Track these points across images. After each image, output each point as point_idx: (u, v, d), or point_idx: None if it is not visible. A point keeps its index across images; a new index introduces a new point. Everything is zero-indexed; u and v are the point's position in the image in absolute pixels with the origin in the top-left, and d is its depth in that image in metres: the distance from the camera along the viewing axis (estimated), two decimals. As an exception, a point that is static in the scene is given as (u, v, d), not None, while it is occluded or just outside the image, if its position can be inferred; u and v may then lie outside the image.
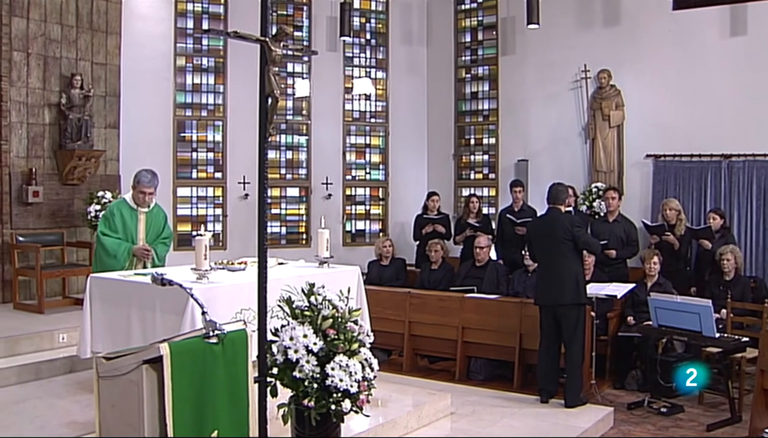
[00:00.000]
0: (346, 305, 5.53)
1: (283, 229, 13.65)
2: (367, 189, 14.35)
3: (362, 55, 14.30)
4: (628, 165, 12.03)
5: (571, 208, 9.25)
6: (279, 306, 5.53)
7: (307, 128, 13.79)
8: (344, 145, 14.11)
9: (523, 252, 9.93)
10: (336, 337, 5.30)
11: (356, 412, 5.27)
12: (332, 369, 5.15)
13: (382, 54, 14.41)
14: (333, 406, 5.17)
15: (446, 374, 9.55)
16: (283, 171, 13.65)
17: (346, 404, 5.17)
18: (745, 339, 7.93)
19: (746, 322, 8.79)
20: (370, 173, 14.37)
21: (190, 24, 12.76)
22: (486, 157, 13.93)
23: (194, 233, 11.59)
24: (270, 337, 5.24)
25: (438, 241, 11.17)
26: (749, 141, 10.92)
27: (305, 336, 5.19)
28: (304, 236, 13.77)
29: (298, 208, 13.78)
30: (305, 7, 13.71)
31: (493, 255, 11.06)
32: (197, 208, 12.93)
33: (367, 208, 14.32)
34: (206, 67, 12.94)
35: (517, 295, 9.78)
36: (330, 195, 13.82)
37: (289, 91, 13.54)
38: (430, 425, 6.81)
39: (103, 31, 11.32)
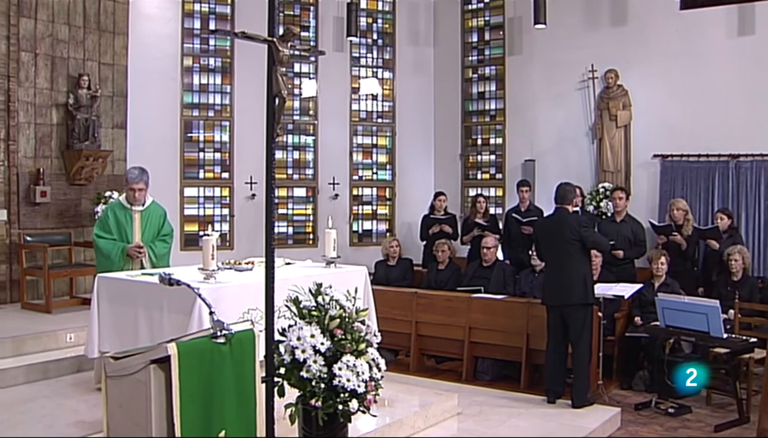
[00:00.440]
0: (353, 305, 5.52)
1: (290, 229, 13.66)
2: (374, 189, 14.35)
3: (369, 55, 14.30)
4: (635, 165, 12.01)
5: (578, 209, 9.24)
6: (286, 306, 5.52)
7: (314, 128, 13.79)
8: (351, 145, 14.11)
9: (530, 252, 9.92)
10: (343, 337, 5.30)
11: (363, 412, 5.27)
12: (339, 369, 5.15)
13: (389, 54, 14.41)
14: (340, 406, 5.17)
15: (453, 374, 9.54)
16: (290, 171, 13.66)
17: (354, 404, 5.17)
18: (753, 340, 7.91)
19: (754, 323, 8.77)
20: (377, 173, 14.37)
21: (197, 24, 12.77)
22: (493, 157, 13.92)
23: (201, 233, 11.63)
24: (277, 337, 5.24)
25: (445, 241, 11.16)
26: (757, 141, 10.89)
27: (312, 336, 5.20)
28: (311, 236, 13.77)
29: (305, 208, 13.79)
30: (312, 8, 13.72)
31: (500, 255, 11.06)
32: (204, 208, 12.94)
33: (374, 208, 14.33)
34: (213, 67, 12.95)
35: (524, 296, 9.77)
36: (337, 195, 13.82)
37: (296, 91, 13.55)
38: (437, 425, 6.80)
39: (110, 31, 11.34)
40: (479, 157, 14.12)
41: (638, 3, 11.97)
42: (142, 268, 7.40)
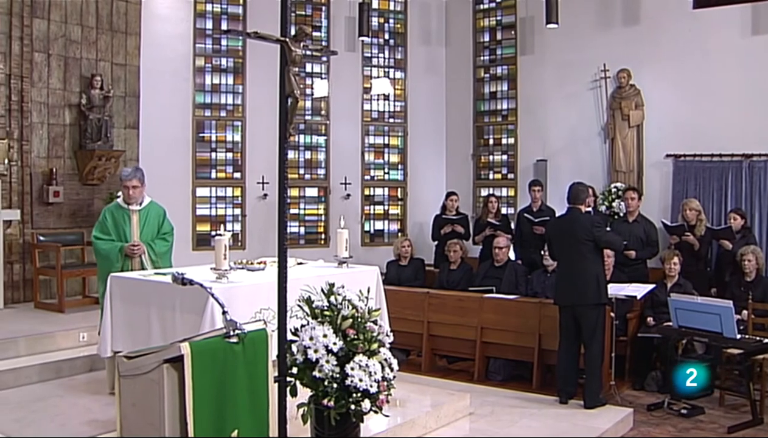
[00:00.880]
0: (365, 305, 5.53)
1: (302, 229, 13.68)
2: (386, 189, 14.35)
3: (381, 55, 14.30)
4: (647, 165, 11.97)
5: (590, 209, 9.22)
6: (299, 306, 5.53)
7: (326, 128, 13.81)
8: (363, 145, 14.11)
9: (542, 252, 9.90)
10: (356, 337, 5.31)
11: (376, 412, 5.27)
12: (352, 369, 5.15)
13: (401, 54, 14.41)
14: (352, 406, 5.17)
15: (465, 374, 9.53)
16: (302, 171, 13.68)
17: (366, 404, 5.17)
18: (767, 340, 7.86)
19: (767, 324, 8.73)
20: (388, 173, 14.37)
21: (209, 24, 12.80)
22: (505, 157, 13.90)
23: (213, 233, 11.63)
24: (290, 336, 5.25)
25: (457, 241, 11.15)
26: (771, 141, 10.86)
27: (325, 336, 5.20)
28: (323, 236, 13.78)
29: (317, 208, 13.80)
30: (324, 8, 13.73)
31: (512, 255, 11.04)
32: (216, 208, 12.97)
33: (386, 208, 14.32)
34: (225, 67, 12.98)
35: (536, 296, 9.75)
36: (349, 195, 13.83)
37: (308, 91, 13.56)
38: (449, 425, 6.80)
39: (122, 31, 11.38)
40: (491, 157, 14.11)
41: (651, 2, 11.93)
42: (142, 267, 7.36)
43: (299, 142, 13.56)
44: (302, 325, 5.37)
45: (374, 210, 14.25)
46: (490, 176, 14.10)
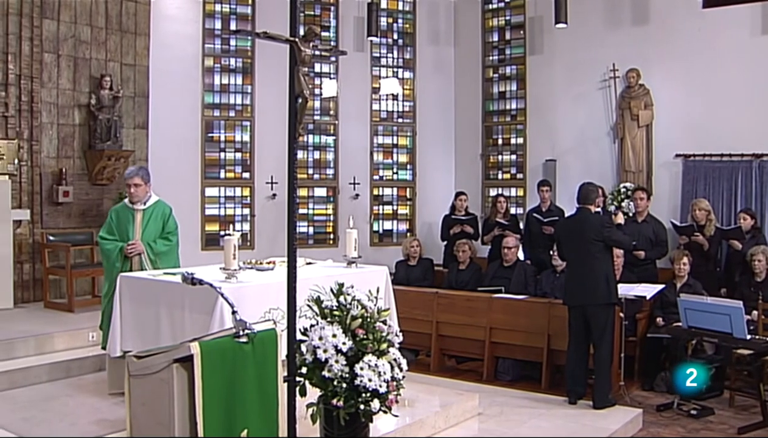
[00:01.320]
0: (375, 305, 5.52)
1: (311, 229, 13.69)
2: (395, 189, 14.35)
3: (389, 55, 14.30)
4: (657, 165, 11.93)
5: (599, 209, 9.20)
6: (308, 306, 5.53)
7: (335, 128, 13.81)
8: (371, 145, 14.12)
9: (551, 252, 9.89)
10: (365, 337, 5.30)
11: (385, 412, 5.27)
12: (361, 369, 5.15)
13: (410, 54, 14.41)
14: (362, 406, 5.17)
15: (474, 375, 9.52)
16: (310, 171, 13.69)
17: (375, 404, 5.17)
18: (777, 341, 7.85)
19: (778, 324, 8.70)
20: (397, 173, 14.36)
21: (218, 25, 12.82)
22: (514, 157, 13.88)
23: (222, 233, 11.65)
24: (299, 336, 5.25)
25: (466, 241, 11.14)
26: (781, 140, 10.82)
27: (334, 336, 5.20)
28: (332, 236, 13.79)
29: (326, 208, 13.81)
30: (332, 8, 13.74)
31: (521, 255, 11.02)
32: (225, 207, 12.99)
33: (395, 208, 14.32)
34: (234, 67, 13.00)
35: (545, 296, 9.74)
36: (357, 195, 13.83)
37: (317, 91, 13.56)
38: (458, 425, 6.79)
39: (132, 32, 11.41)
40: (500, 157, 14.09)
41: (660, 2, 11.89)
42: (141, 267, 7.32)
43: (308, 142, 13.57)
44: (311, 325, 5.37)
45: (383, 210, 14.25)
46: (499, 176, 14.08)
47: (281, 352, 5.09)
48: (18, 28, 10.08)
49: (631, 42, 12.09)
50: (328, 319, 5.36)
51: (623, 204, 11.42)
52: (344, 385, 5.17)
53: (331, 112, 13.81)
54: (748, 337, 7.66)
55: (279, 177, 12.77)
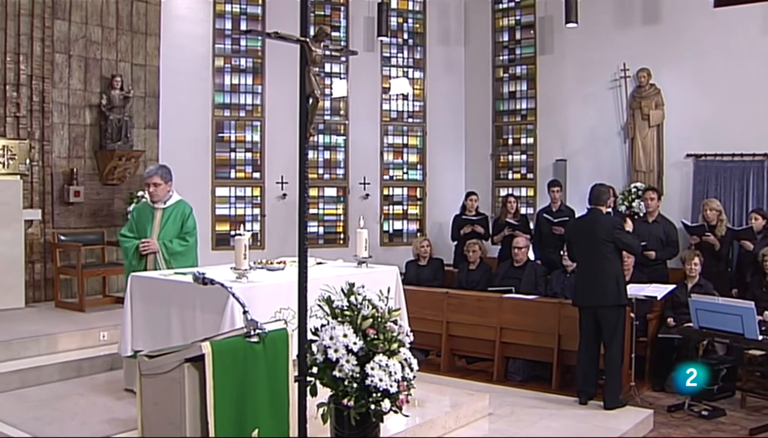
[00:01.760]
0: (385, 305, 5.52)
1: (321, 229, 13.70)
2: (405, 189, 14.35)
3: (400, 55, 14.30)
4: (667, 165, 11.90)
5: (610, 209, 9.19)
6: (319, 305, 5.53)
7: (345, 128, 13.82)
8: (382, 145, 14.12)
9: (561, 252, 9.87)
10: (376, 337, 5.30)
11: (396, 412, 5.26)
12: (372, 369, 5.14)
13: (420, 54, 14.41)
14: (372, 406, 5.17)
15: (484, 375, 9.52)
16: (320, 171, 13.70)
17: (386, 404, 5.16)
18: (789, 342, 7.81)
19: (789, 325, 8.66)
20: (407, 173, 14.36)
21: (229, 25, 12.85)
22: (524, 156, 13.87)
23: (233, 233, 11.67)
24: (310, 336, 5.25)
25: (476, 241, 11.13)
26: (792, 140, 10.78)
27: (345, 335, 5.20)
28: (342, 236, 13.80)
29: (336, 208, 13.82)
30: (342, 8, 13.75)
31: (531, 255, 11.01)
32: (235, 207, 13.01)
33: (405, 208, 14.32)
34: (244, 67, 13.02)
35: (556, 296, 9.73)
36: (368, 195, 13.83)
37: (327, 91, 13.57)
38: (468, 426, 6.78)
39: (142, 32, 11.44)
40: (510, 156, 14.08)
41: (671, 1, 11.87)
42: (156, 267, 7.31)
43: (318, 142, 13.58)
44: (322, 325, 5.37)
45: (393, 210, 14.25)
46: (510, 176, 14.07)
47: (292, 351, 5.10)
48: (29, 29, 10.11)
49: (642, 41, 12.06)
50: (339, 319, 5.36)
51: (634, 204, 11.40)
52: (355, 384, 5.16)
53: (342, 112, 13.82)
54: (760, 337, 7.62)
55: (289, 177, 12.79)
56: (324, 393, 5.34)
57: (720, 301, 8.09)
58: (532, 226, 12.13)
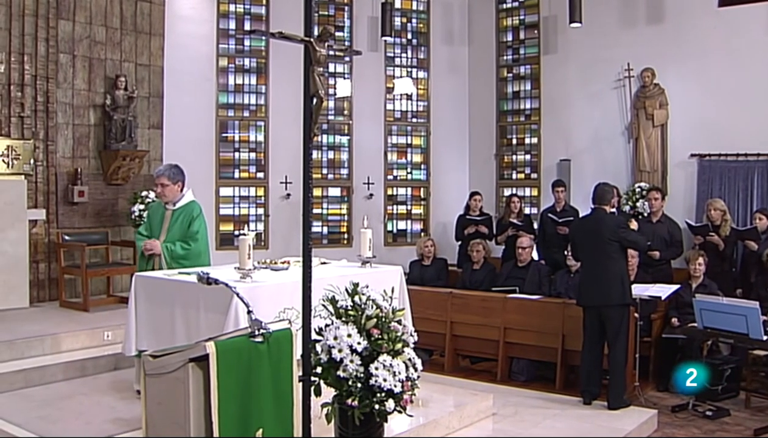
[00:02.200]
0: (389, 305, 5.52)
1: (325, 229, 13.70)
2: (409, 189, 14.35)
3: (403, 54, 14.30)
4: (672, 164, 11.90)
5: (614, 209, 9.18)
6: (323, 305, 5.53)
7: (349, 128, 13.82)
8: (386, 144, 14.12)
9: (565, 252, 9.86)
10: (380, 336, 5.29)
11: (400, 411, 5.26)
12: (376, 368, 5.14)
13: (424, 54, 14.41)
14: (376, 406, 5.16)
15: (488, 375, 9.50)
16: (324, 171, 13.71)
17: (390, 404, 5.16)
18: (793, 342, 7.79)
19: (794, 325, 8.64)
20: (411, 173, 14.37)
21: (233, 25, 12.87)
22: (528, 156, 13.87)
23: (237, 233, 11.68)
24: (314, 336, 5.25)
25: (480, 241, 11.13)
26: (797, 140, 10.77)
27: (349, 335, 5.20)
28: (346, 236, 13.80)
29: (340, 208, 13.82)
30: (346, 8, 13.75)
31: (535, 255, 11.00)
32: (239, 207, 13.02)
33: (409, 207, 14.33)
34: (248, 67, 13.03)
35: (560, 296, 9.71)
36: (371, 195, 13.84)
37: (331, 91, 13.57)
38: (472, 426, 6.78)
39: (146, 32, 11.45)
40: (514, 156, 14.08)
41: (675, 0, 11.85)
42: (161, 269, 7.20)
43: (322, 142, 13.58)
44: (326, 325, 5.37)
45: (397, 210, 14.25)
46: (514, 176, 14.07)
47: (296, 351, 5.09)
48: (34, 29, 10.12)
49: (646, 41, 12.06)
50: (343, 319, 5.36)
51: (638, 204, 11.38)
52: (359, 384, 5.16)
53: (346, 112, 13.83)
54: (765, 337, 7.58)
55: (293, 177, 12.80)
56: (328, 393, 5.34)
57: (724, 301, 8.07)
58: (536, 226, 12.12)
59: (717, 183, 11.36)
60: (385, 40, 13.80)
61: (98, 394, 7.04)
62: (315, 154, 12.98)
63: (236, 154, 12.99)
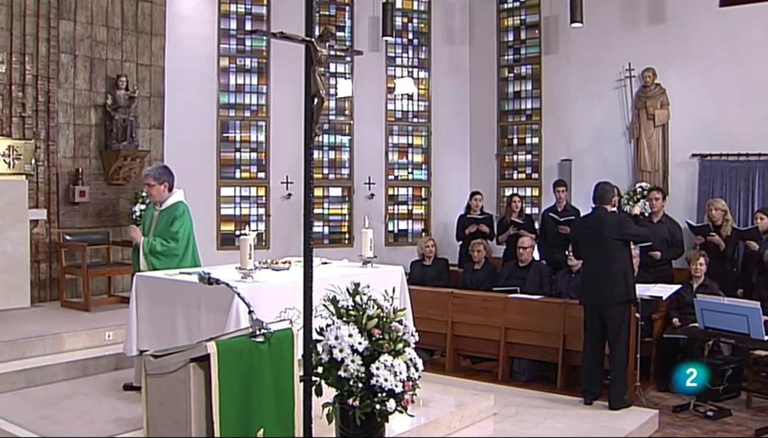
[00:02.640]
0: (390, 305, 5.52)
1: (326, 229, 13.70)
2: (410, 189, 14.35)
3: (404, 54, 14.30)
4: (673, 164, 11.88)
5: (615, 209, 9.18)
6: (324, 305, 5.53)
7: (350, 128, 13.82)
8: (387, 144, 14.11)
9: (566, 252, 9.86)
10: (381, 336, 5.29)
11: (401, 411, 5.27)
12: (377, 368, 5.14)
13: (425, 54, 14.40)
14: (377, 406, 5.16)
15: (489, 375, 9.50)
16: (326, 171, 13.71)
17: (391, 404, 5.16)
18: (795, 342, 7.79)
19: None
20: (412, 173, 14.36)
21: (234, 25, 12.86)
22: (529, 156, 13.86)
23: (238, 233, 11.68)
24: (315, 336, 5.25)
25: (481, 241, 11.13)
26: (798, 140, 10.76)
27: (350, 335, 5.20)
28: (347, 236, 13.80)
29: (341, 208, 13.82)
30: (347, 8, 13.74)
31: (536, 255, 11.00)
32: (240, 207, 13.02)
33: (410, 207, 14.33)
34: (249, 67, 13.03)
35: (561, 296, 9.71)
36: (372, 195, 13.83)
37: (332, 91, 13.57)
38: (473, 426, 6.78)
39: (147, 32, 11.45)
40: (515, 156, 14.07)
41: (676, 0, 11.84)
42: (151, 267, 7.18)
43: (323, 141, 13.58)
44: (327, 325, 5.37)
45: (398, 210, 14.25)
46: (515, 176, 14.07)
47: (297, 351, 5.10)
48: (35, 29, 10.11)
49: (647, 41, 12.05)
50: (344, 319, 5.36)
51: (639, 204, 11.37)
52: (360, 384, 5.16)
53: (346, 112, 13.83)
54: (766, 338, 7.58)
55: (294, 177, 12.79)
56: (329, 393, 5.34)
57: (725, 302, 8.06)
58: (537, 225, 12.11)
59: (718, 183, 11.35)
60: (386, 40, 13.80)
61: (99, 393, 7.05)
62: (316, 154, 13.05)
63: (237, 154, 12.99)
